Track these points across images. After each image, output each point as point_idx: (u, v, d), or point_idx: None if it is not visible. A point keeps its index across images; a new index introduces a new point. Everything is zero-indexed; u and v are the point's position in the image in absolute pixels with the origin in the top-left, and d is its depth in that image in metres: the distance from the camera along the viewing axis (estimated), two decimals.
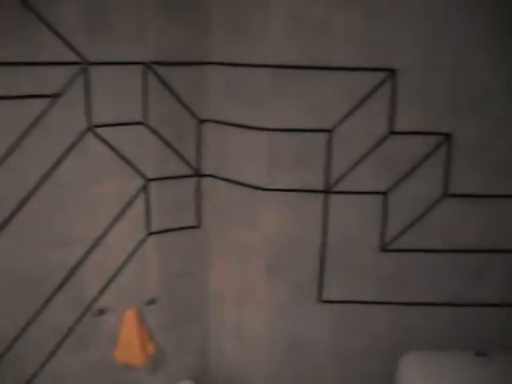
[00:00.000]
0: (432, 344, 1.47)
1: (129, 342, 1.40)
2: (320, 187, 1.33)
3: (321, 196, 1.33)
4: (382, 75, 1.27)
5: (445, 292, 1.42)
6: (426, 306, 1.43)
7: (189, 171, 1.42)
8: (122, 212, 1.35)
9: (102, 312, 1.39)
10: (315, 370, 1.48)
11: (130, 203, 1.36)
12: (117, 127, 1.30)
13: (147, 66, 1.30)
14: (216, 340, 1.53)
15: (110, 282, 1.38)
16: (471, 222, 1.37)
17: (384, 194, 1.33)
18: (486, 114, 1.30)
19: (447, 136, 1.31)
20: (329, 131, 1.29)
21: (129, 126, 1.32)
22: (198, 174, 1.44)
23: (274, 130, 1.29)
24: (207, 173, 1.44)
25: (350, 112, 1.28)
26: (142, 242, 1.40)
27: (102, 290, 1.37)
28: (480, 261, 1.40)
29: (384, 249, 1.38)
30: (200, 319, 1.54)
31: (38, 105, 1.20)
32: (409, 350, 1.42)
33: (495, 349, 1.46)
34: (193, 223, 1.46)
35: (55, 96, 1.22)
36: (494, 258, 1.40)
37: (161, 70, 1.32)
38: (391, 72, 1.27)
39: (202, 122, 1.41)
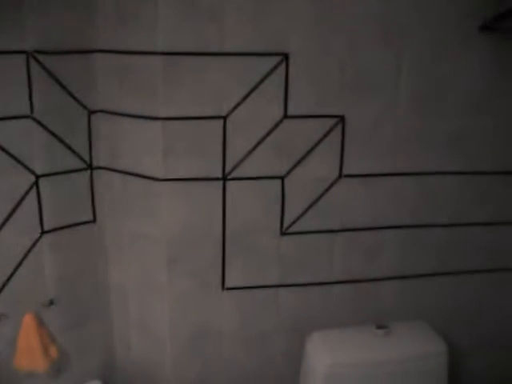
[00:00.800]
0: (335, 321, 1.65)
1: (29, 348, 1.45)
2: (217, 175, 1.46)
3: (219, 183, 1.46)
4: (274, 60, 1.41)
5: (343, 270, 1.61)
6: (327, 285, 1.62)
7: (81, 165, 1.49)
8: (13, 212, 1.42)
9: None
10: (222, 356, 1.61)
11: (20, 202, 1.42)
12: (1, 122, 1.35)
13: (29, 54, 1.34)
14: (121, 336, 1.63)
15: (3, 286, 1.42)
16: (366, 201, 1.57)
17: (281, 178, 1.50)
18: (375, 96, 1.50)
19: (340, 118, 1.50)
20: (223, 118, 1.43)
21: (14, 120, 1.36)
22: (91, 167, 1.52)
23: (168, 118, 1.40)
24: (100, 165, 1.53)
25: (244, 98, 1.42)
26: (36, 242, 1.46)
27: None
28: (375, 238, 1.61)
29: (284, 232, 1.55)
30: (103, 316, 1.63)
31: None
32: (313, 329, 1.61)
33: (394, 320, 1.70)
34: (88, 218, 1.55)
35: None
36: (388, 234, 1.62)
37: (45, 59, 1.36)
38: (284, 56, 1.41)
39: (93, 112, 1.49)
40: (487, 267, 1.78)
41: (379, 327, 1.55)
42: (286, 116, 1.42)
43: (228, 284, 1.54)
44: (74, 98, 1.43)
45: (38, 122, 1.39)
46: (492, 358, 1.91)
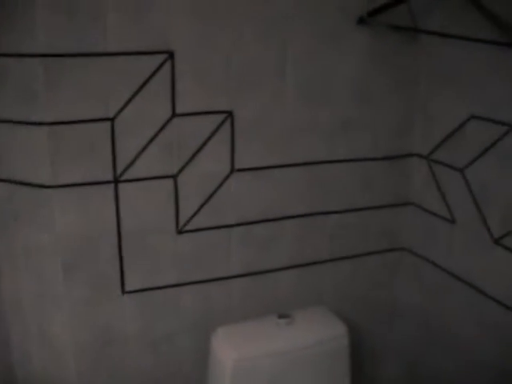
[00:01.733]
0: (239, 315, 1.83)
1: None
2: (108, 178, 1.56)
3: (110, 186, 1.58)
4: (160, 58, 1.53)
5: (242, 263, 1.81)
6: (227, 280, 1.82)
7: None
8: None
9: None
10: (129, 364, 1.76)
11: None
12: None
13: None
14: (20, 350, 1.68)
15: None
16: (260, 194, 1.77)
17: (173, 177, 1.69)
18: (262, 89, 1.71)
19: (229, 113, 1.71)
20: (111, 119, 1.57)
21: None
22: None
23: (52, 123, 1.45)
24: None
25: (131, 98, 1.57)
26: None
27: None
28: (271, 229, 1.83)
29: (180, 231, 1.74)
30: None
31: None
32: (217, 325, 1.80)
33: (296, 308, 1.95)
34: None
35: None
36: (283, 225, 1.86)
37: None
38: (169, 54, 1.53)
39: None
40: (381, 248, 2.06)
41: (281, 317, 1.78)
42: (174, 114, 1.59)
43: (128, 287, 1.68)
44: None
45: None
46: (388, 333, 2.21)
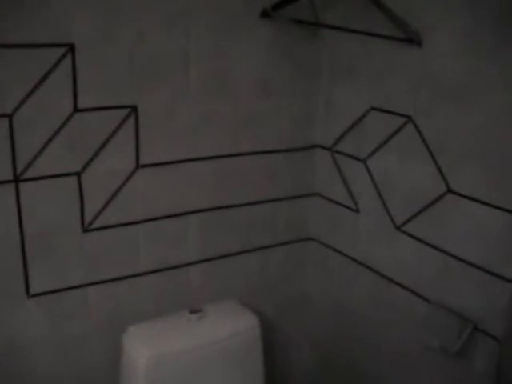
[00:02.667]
0: (150, 312, 1.81)
1: None
2: (8, 177, 1.50)
3: (11, 186, 1.52)
4: (59, 51, 1.47)
5: (151, 260, 1.79)
6: (136, 278, 1.79)
7: None
8: None
9: None
10: (38, 367, 1.68)
11: None
12: None
13: None
14: None
15: None
16: (166, 189, 1.75)
17: (77, 174, 1.65)
18: (166, 83, 1.68)
19: (133, 108, 1.69)
20: (9, 116, 1.50)
21: None
22: None
23: None
24: None
25: (30, 93, 1.52)
26: None
27: None
28: (180, 224, 1.82)
29: (86, 229, 1.70)
30: None
31: None
32: (129, 324, 1.78)
33: (208, 302, 1.95)
34: None
35: None
36: (192, 219, 1.85)
37: None
38: (69, 47, 1.49)
39: None
40: (289, 239, 2.11)
41: (193, 312, 1.78)
42: (76, 109, 1.54)
43: (33, 290, 1.61)
44: None
45: None
46: (301, 323, 2.27)
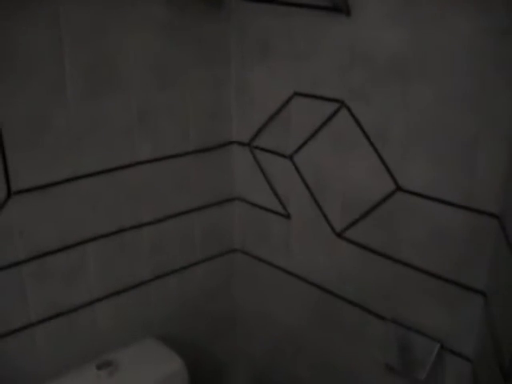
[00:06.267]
0: (51, 369, 1.49)
1: None
2: None
3: None
4: None
5: (43, 305, 1.44)
6: (27, 330, 1.41)
7: None
8: None
9: None
10: None
11: None
12: None
13: None
14: None
15: None
16: (52, 216, 1.41)
17: None
18: (34, 81, 1.31)
19: None
20: None
21: None
22: None
23: None
24: None
25: None
26: None
27: None
28: (74, 257, 1.46)
29: None
30: None
31: None
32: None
33: (120, 346, 1.58)
34: None
35: None
36: (88, 249, 1.48)
37: None
38: None
39: None
40: (211, 254, 1.79)
41: (101, 367, 1.42)
42: None
43: None
44: None
45: None
46: (233, 344, 2.00)
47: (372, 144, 1.36)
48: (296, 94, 1.50)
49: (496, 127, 1.15)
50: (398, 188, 1.34)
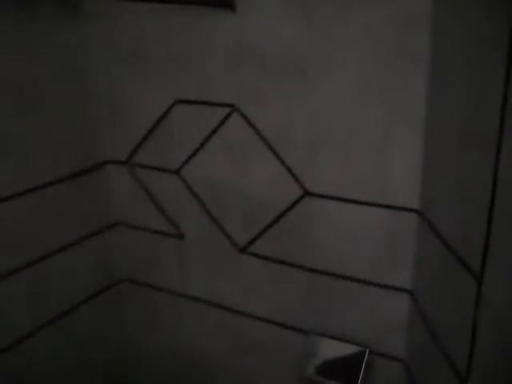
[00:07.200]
0: None
1: None
2: None
3: None
4: None
5: None
6: None
7: None
8: None
9: None
10: None
11: None
12: None
13: None
14: None
15: None
16: None
17: None
18: None
19: None
20: None
21: None
22: None
23: None
24: None
25: None
26: None
27: None
28: None
29: None
30: None
31: None
32: None
33: None
34: None
35: None
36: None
37: None
38: None
39: None
40: (96, 289, 1.58)
41: None
42: None
43: None
44: None
45: None
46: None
47: (272, 149, 1.23)
48: (178, 101, 1.34)
49: (407, 120, 1.08)
50: (306, 193, 1.24)
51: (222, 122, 1.29)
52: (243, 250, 1.37)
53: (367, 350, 1.26)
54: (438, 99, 0.97)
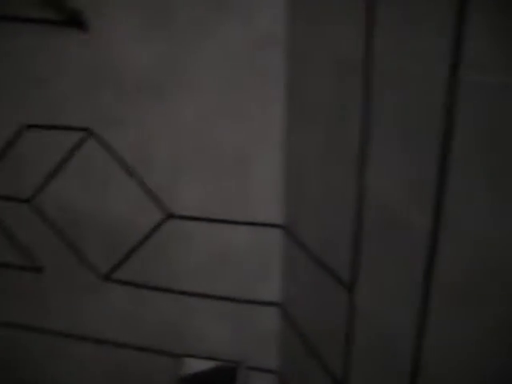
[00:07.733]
0: None
1: None
2: None
3: None
4: None
5: None
6: None
7: None
8: None
9: None
10: None
11: None
12: None
13: None
14: None
15: None
16: None
17: None
18: None
19: None
20: None
21: None
22: None
23: None
24: None
25: None
26: None
27: None
28: None
29: None
30: None
31: None
32: None
33: None
34: None
35: None
36: None
37: None
38: None
39: None
40: None
41: None
42: None
43: None
44: None
45: None
46: None
47: (130, 173, 1.21)
48: (28, 126, 1.26)
49: (267, 138, 1.10)
50: (170, 215, 1.22)
51: (78, 147, 1.23)
52: (107, 277, 1.32)
53: (240, 366, 1.26)
54: (298, 119, 1.00)
